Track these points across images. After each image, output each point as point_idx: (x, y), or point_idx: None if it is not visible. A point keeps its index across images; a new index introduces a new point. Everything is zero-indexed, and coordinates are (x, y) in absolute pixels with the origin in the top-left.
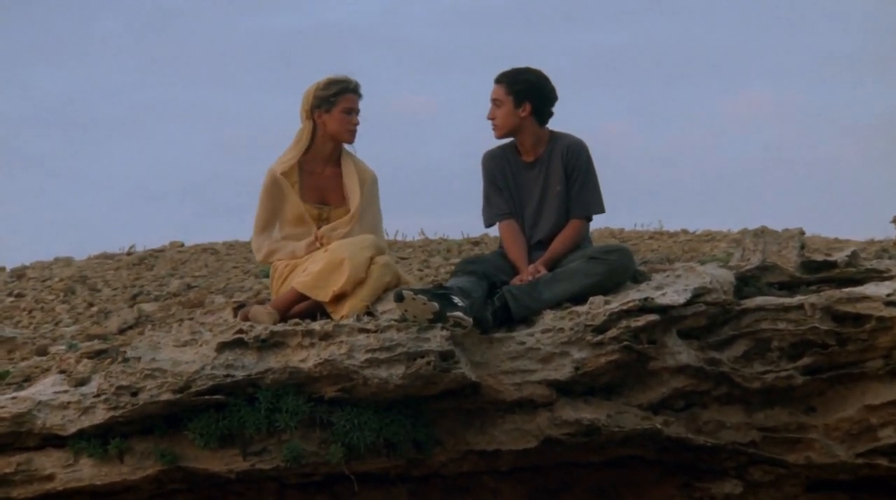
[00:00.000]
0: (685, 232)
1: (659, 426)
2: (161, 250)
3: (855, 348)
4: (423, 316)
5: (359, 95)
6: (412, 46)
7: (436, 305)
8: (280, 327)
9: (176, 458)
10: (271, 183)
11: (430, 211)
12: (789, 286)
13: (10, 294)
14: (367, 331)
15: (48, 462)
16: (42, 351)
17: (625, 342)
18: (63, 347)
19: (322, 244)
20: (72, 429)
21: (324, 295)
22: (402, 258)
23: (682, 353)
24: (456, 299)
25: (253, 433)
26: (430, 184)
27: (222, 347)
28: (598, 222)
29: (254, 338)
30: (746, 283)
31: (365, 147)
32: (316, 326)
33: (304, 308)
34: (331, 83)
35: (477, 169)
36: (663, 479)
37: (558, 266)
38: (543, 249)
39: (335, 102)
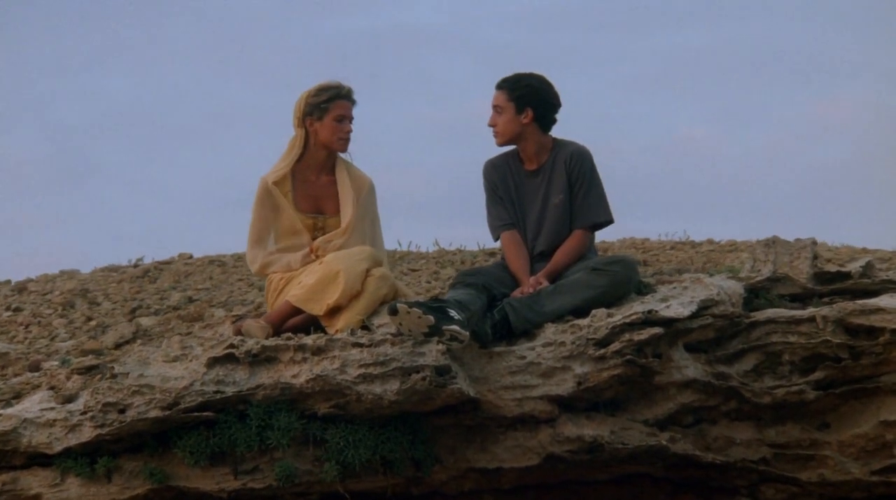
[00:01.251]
0: (710, 242)
1: (665, 443)
2: (168, 263)
3: (869, 361)
4: (419, 330)
5: (352, 102)
6: (486, 49)
7: (431, 318)
8: (272, 341)
9: (166, 477)
10: (264, 193)
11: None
12: (801, 298)
13: (8, 308)
14: (361, 345)
15: (34, 482)
16: (34, 367)
17: (628, 356)
18: (56, 362)
19: (317, 256)
20: (58, 447)
21: (318, 309)
22: (413, 270)
23: (689, 367)
24: (452, 312)
25: (244, 450)
26: None
27: (213, 362)
28: (621, 232)
29: (245, 353)
30: (757, 295)
31: (443, 154)
32: (308, 340)
33: (298, 322)
34: (322, 90)
35: None
36: (672, 497)
37: (561, 278)
38: (546, 260)
39: (327, 109)
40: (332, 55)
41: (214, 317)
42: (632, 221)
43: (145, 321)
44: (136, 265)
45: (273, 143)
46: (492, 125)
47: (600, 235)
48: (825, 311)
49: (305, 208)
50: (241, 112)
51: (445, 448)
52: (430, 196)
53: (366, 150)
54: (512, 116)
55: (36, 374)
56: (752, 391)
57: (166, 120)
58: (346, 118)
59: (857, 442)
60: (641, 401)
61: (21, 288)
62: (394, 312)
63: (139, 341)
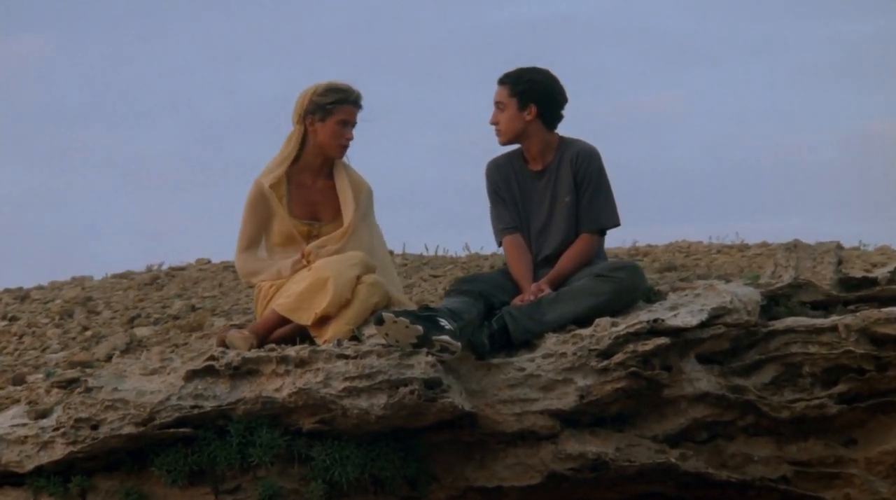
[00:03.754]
0: (764, 245)
1: (674, 461)
2: (182, 268)
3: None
4: (406, 341)
5: (359, 108)
6: (653, 38)
7: (419, 328)
8: (253, 353)
9: (143, 497)
10: (257, 196)
11: (676, 217)
12: (825, 306)
13: (4, 317)
14: (347, 357)
15: None
16: (19, 380)
17: (632, 368)
18: (42, 375)
19: (309, 262)
20: (29, 466)
21: (306, 318)
22: (434, 276)
23: (702, 379)
24: (443, 322)
25: (225, 468)
26: (676, 188)
27: (191, 375)
28: (670, 235)
29: (225, 365)
30: (777, 302)
31: (604, 150)
32: (291, 351)
33: (286, 333)
34: (330, 90)
35: (729, 172)
36: None
37: (566, 285)
38: (551, 266)
39: (332, 111)
40: (490, 47)
41: (214, 327)
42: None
43: (142, 331)
44: (148, 270)
45: (425, 140)
46: (493, 123)
47: (644, 239)
48: (848, 319)
49: (300, 215)
50: (394, 107)
51: (442, 466)
52: None
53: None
54: (514, 113)
55: (19, 387)
56: (769, 405)
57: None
58: (349, 124)
59: (885, 459)
60: (651, 416)
61: (23, 296)
62: (379, 322)
63: (133, 353)
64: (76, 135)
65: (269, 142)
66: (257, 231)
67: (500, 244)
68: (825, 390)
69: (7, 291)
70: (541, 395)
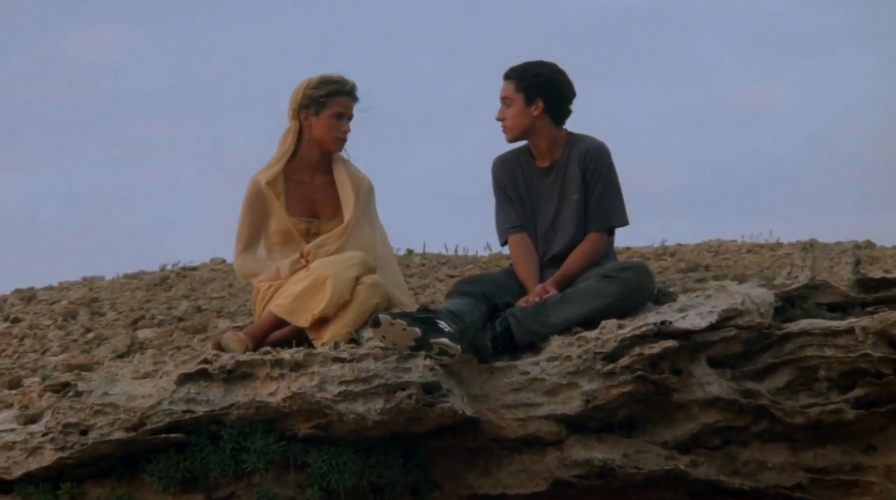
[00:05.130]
0: (801, 243)
1: (683, 468)
2: (194, 268)
3: None
4: (404, 343)
5: (354, 99)
6: (749, 27)
7: (417, 330)
8: (247, 356)
9: None
10: (254, 194)
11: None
12: (842, 307)
13: (6, 319)
14: (343, 360)
15: None
16: (15, 384)
17: (639, 372)
18: (38, 378)
19: (308, 262)
20: (17, 472)
21: (304, 320)
22: (451, 276)
23: (713, 384)
24: (442, 324)
25: (218, 475)
26: (777, 182)
27: (184, 379)
28: (703, 234)
29: (219, 369)
30: (793, 304)
31: (701, 142)
32: (286, 354)
33: (283, 335)
34: (323, 82)
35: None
36: None
37: (572, 286)
38: (558, 266)
39: (325, 103)
40: (576, 36)
41: (218, 329)
42: None
43: (144, 333)
44: (161, 270)
45: None
46: (500, 119)
47: (673, 238)
48: (865, 321)
49: (298, 212)
50: (480, 100)
51: (445, 473)
52: (695, 188)
53: (616, 138)
54: (521, 108)
55: (14, 391)
56: (783, 410)
57: (399, 107)
58: (344, 116)
59: None
60: (661, 421)
61: (30, 297)
62: (376, 324)
63: (134, 355)
64: (156, 127)
65: (359, 132)
66: (255, 231)
67: (504, 243)
68: (841, 395)
69: (17, 291)
70: (545, 399)
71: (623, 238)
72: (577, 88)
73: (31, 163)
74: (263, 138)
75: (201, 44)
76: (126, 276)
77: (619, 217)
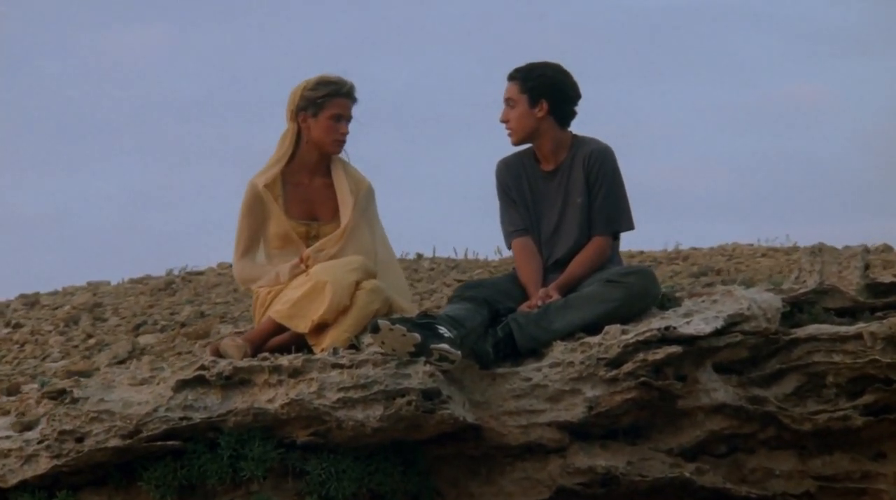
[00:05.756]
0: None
1: (689, 475)
2: (200, 273)
3: None
4: (403, 349)
5: (353, 100)
6: (798, 27)
7: (417, 336)
8: (245, 362)
9: None
10: (253, 198)
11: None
12: (851, 312)
13: (7, 324)
14: (341, 367)
15: None
16: (13, 390)
17: (642, 378)
18: (37, 385)
19: (307, 267)
20: (13, 480)
21: (303, 325)
22: (459, 281)
23: (719, 390)
24: (442, 330)
25: (216, 483)
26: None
27: (181, 385)
28: (719, 238)
29: (216, 375)
30: (801, 308)
31: (745, 142)
32: (284, 361)
33: (283, 341)
34: (321, 83)
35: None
36: None
37: (576, 291)
38: (562, 270)
39: (323, 105)
40: (618, 37)
41: (220, 334)
42: None
43: (146, 339)
44: (167, 274)
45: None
46: (504, 121)
47: (688, 242)
48: (874, 327)
49: (298, 215)
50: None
51: (447, 481)
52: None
53: (659, 140)
54: (525, 110)
55: (12, 398)
56: (791, 417)
57: (436, 110)
58: (343, 118)
59: None
60: (667, 428)
61: (33, 302)
62: (375, 329)
63: (133, 361)
64: (192, 129)
65: (392, 135)
66: (254, 235)
67: (509, 247)
68: (850, 402)
69: (21, 295)
70: (547, 406)
71: (640, 241)
72: (621, 89)
73: (69, 164)
74: None
75: (236, 44)
76: (132, 280)
77: (623, 221)
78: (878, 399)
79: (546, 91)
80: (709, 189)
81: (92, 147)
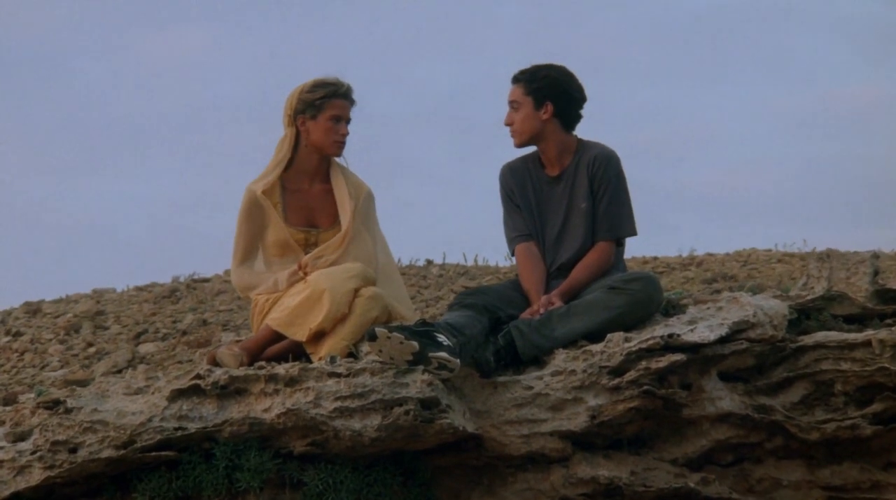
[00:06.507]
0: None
1: (694, 485)
2: (206, 280)
3: None
4: (401, 357)
5: (351, 101)
6: (849, 24)
7: (415, 344)
8: (241, 371)
9: None
10: (250, 204)
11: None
12: (859, 319)
13: (8, 333)
14: (338, 375)
15: None
16: (10, 400)
17: (645, 386)
18: (34, 394)
19: (306, 274)
20: (5, 492)
21: (301, 334)
22: (467, 287)
23: (725, 399)
24: (440, 338)
25: (211, 494)
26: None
27: (176, 395)
28: (735, 244)
29: (212, 384)
30: (808, 315)
31: (802, 145)
32: (281, 369)
33: (281, 349)
34: (318, 85)
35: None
36: None
37: (579, 297)
38: (565, 276)
39: (322, 107)
40: (674, 37)
41: (222, 342)
42: None
43: (146, 348)
44: (173, 281)
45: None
46: (508, 124)
47: (704, 247)
48: (882, 334)
49: (297, 222)
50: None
51: (448, 492)
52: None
53: (706, 143)
54: (530, 112)
55: (8, 408)
56: (798, 426)
57: (482, 112)
58: (342, 119)
59: None
60: (671, 438)
61: (35, 310)
62: (372, 337)
63: (131, 370)
64: (235, 133)
65: (442, 138)
66: (253, 242)
67: (512, 252)
68: (859, 410)
69: (26, 303)
70: (549, 415)
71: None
72: (678, 89)
73: (111, 168)
74: (353, 139)
75: (277, 46)
76: (136, 288)
77: (627, 227)
78: (888, 408)
79: (551, 93)
80: (761, 191)
81: (133, 150)
